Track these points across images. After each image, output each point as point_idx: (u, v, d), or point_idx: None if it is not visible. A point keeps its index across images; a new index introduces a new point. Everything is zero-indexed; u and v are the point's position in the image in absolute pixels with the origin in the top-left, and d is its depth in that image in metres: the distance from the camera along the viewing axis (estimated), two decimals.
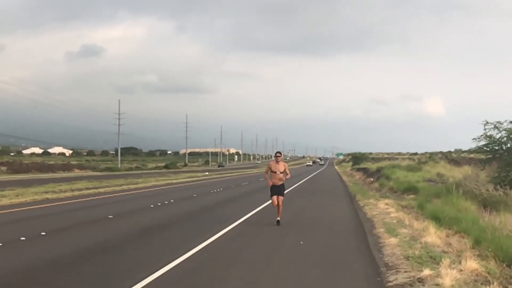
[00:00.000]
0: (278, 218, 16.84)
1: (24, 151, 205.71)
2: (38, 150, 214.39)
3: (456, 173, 39.92)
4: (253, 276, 9.63)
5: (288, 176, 17.19)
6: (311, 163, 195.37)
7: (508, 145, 27.96)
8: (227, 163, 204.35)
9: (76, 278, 9.18)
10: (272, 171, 17.06)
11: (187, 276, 9.50)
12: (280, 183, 17.03)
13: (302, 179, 61.86)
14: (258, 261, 10.96)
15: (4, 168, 74.11)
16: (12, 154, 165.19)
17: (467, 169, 38.26)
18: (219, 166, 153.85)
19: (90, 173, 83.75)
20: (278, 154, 17.45)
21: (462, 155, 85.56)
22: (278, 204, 16.94)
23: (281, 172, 16.91)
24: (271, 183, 17.16)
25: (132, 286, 8.47)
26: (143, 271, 9.56)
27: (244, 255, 11.67)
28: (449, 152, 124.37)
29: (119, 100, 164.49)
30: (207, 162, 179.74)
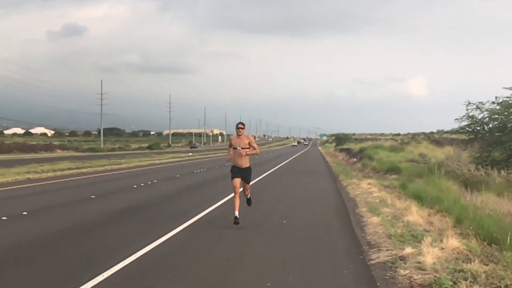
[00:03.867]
0: (236, 213, 12.52)
1: (6, 132, 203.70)
2: (19, 131, 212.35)
3: (438, 154, 40.23)
4: (237, 254, 9.65)
5: (255, 152, 13.00)
6: (296, 144, 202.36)
7: (490, 125, 28.14)
8: (211, 143, 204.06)
9: (58, 257, 9.13)
10: (233, 148, 13.04)
11: (171, 254, 9.50)
12: (245, 164, 12.92)
13: (286, 160, 62.03)
14: (242, 240, 10.98)
15: None
16: None
17: (449, 150, 38.50)
18: (191, 148, 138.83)
19: (73, 153, 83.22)
20: (240, 125, 12.95)
21: (444, 135, 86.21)
22: (246, 194, 13.45)
23: (243, 148, 12.76)
24: (229, 158, 13.74)
25: (116, 263, 8.45)
26: (127, 249, 9.54)
27: (228, 233, 11.66)
28: (432, 132, 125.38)
29: (101, 80, 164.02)
30: (190, 143, 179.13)
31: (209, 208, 15.72)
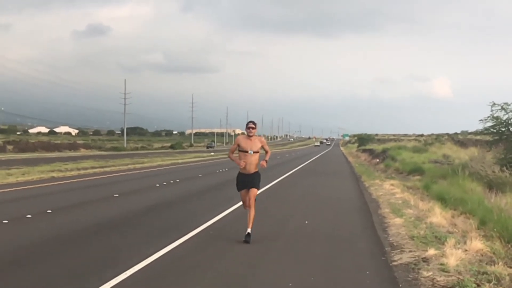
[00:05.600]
0: (249, 230, 10.63)
1: (31, 130, 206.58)
2: (44, 129, 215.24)
3: (462, 155, 39.88)
4: (258, 252, 9.68)
5: (267, 157, 11.13)
6: (318, 144, 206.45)
7: None
8: (233, 143, 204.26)
9: (81, 254, 9.23)
10: (240, 150, 10.94)
11: (193, 252, 9.55)
12: (253, 169, 10.88)
13: (309, 160, 61.89)
14: (264, 239, 10.97)
15: (10, 147, 74.38)
16: (18, 133, 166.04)
17: (473, 151, 38.14)
18: (207, 147, 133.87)
19: (96, 152, 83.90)
20: (251, 125, 10.82)
21: (469, 136, 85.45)
22: (248, 204, 10.87)
23: (255, 152, 10.80)
24: (231, 158, 11.37)
25: (139, 262, 8.53)
26: (149, 248, 9.61)
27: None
28: (456, 133, 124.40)
29: (125, 80, 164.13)
30: (212, 142, 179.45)
31: (232, 207, 15.72)
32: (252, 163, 10.82)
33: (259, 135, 10.82)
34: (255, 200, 10.89)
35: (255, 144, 10.82)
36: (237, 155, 11.08)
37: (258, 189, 11.05)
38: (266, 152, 11.29)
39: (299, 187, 24.21)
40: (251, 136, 10.83)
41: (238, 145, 10.97)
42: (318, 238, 11.31)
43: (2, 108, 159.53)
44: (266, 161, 11.02)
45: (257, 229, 11.84)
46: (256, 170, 10.93)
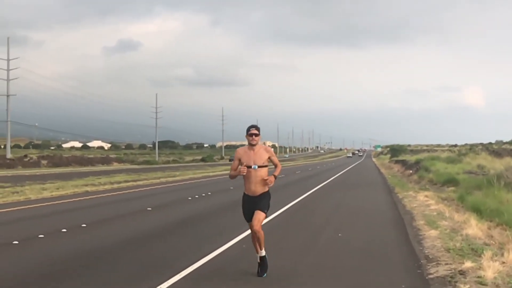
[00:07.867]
0: (261, 256, 8.71)
1: (64, 145, 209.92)
2: (77, 144, 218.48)
3: (497, 165, 39.23)
4: (291, 264, 9.66)
5: (276, 172, 8.78)
6: (351, 155, 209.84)
7: None
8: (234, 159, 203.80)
9: (115, 268, 9.29)
10: (244, 166, 8.52)
11: (226, 265, 9.52)
12: (260, 190, 8.54)
13: (341, 171, 61.61)
14: (296, 250, 10.95)
15: (44, 162, 75.52)
16: (52, 148, 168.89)
17: (508, 161, 37.54)
18: (230, 160, 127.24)
19: (129, 166, 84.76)
20: (254, 130, 8.58)
21: (504, 146, 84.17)
22: (254, 229, 8.53)
23: (260, 166, 8.46)
24: (232, 174, 8.95)
25: (173, 275, 8.55)
26: (183, 261, 9.64)
27: (283, 244, 11.62)
28: (490, 143, 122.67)
29: (156, 94, 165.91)
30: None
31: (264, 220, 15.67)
32: (257, 181, 8.46)
33: (264, 143, 9.45)
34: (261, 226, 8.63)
35: (260, 155, 8.50)
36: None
37: (266, 212, 8.71)
38: (276, 165, 8.86)
39: (331, 199, 24.06)
40: (254, 145, 8.54)
41: (240, 160, 8.69)
42: (352, 251, 11.19)
43: (36, 124, 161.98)
44: (275, 177, 8.55)
45: (290, 241, 11.85)
46: (265, 190, 8.62)
